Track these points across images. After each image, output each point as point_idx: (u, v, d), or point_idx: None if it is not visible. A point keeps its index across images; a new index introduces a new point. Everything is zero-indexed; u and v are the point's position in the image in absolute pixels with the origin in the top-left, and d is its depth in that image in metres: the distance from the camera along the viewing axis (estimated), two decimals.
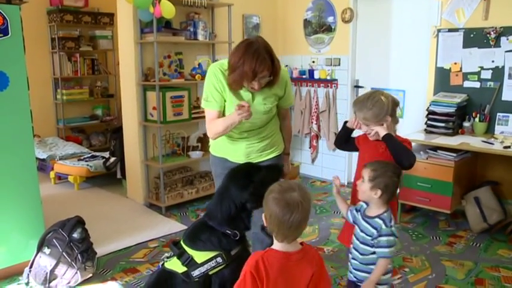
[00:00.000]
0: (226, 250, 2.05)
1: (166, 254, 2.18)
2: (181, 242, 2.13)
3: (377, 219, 2.10)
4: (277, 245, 1.65)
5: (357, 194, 2.56)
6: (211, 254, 2.03)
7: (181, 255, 2.08)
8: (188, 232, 2.17)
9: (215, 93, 2.41)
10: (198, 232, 2.12)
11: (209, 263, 2.02)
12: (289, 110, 2.81)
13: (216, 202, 2.16)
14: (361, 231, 2.16)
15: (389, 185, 2.08)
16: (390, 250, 2.06)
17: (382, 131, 2.27)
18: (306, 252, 1.66)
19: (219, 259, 2.02)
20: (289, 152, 2.84)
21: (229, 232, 2.07)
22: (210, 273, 2.04)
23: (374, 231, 2.09)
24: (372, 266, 2.13)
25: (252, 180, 2.10)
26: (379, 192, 2.08)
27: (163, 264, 2.14)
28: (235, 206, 2.08)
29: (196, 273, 2.03)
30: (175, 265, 2.08)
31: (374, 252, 2.11)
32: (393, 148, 2.26)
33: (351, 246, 2.23)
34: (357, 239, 2.19)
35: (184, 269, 2.05)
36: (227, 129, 2.36)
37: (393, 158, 2.29)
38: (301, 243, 1.69)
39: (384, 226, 2.07)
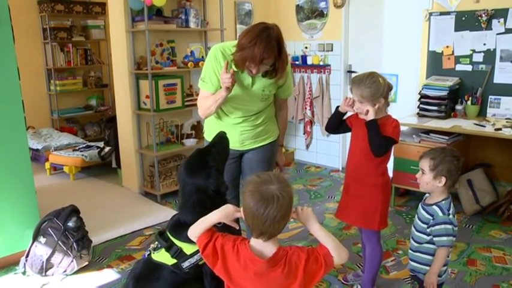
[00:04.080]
0: None
1: (152, 245, 2.11)
2: (168, 234, 2.08)
3: (434, 207, 2.07)
4: (253, 241, 1.54)
5: (352, 178, 2.59)
6: None
7: (170, 247, 2.04)
8: (172, 224, 2.11)
9: (212, 76, 2.43)
10: (182, 226, 2.03)
11: (199, 254, 2.01)
12: (287, 100, 2.81)
13: (187, 205, 2.06)
14: (419, 218, 2.13)
15: (452, 170, 2.02)
16: (449, 239, 2.00)
17: (371, 114, 2.33)
18: (274, 263, 1.50)
19: None
20: (282, 143, 2.87)
21: None
22: (200, 263, 2.03)
23: (430, 218, 2.05)
24: (423, 256, 2.10)
25: (210, 165, 2.06)
26: (443, 179, 2.02)
27: (149, 254, 2.09)
28: (208, 197, 2.02)
29: (186, 264, 2.01)
30: (164, 257, 2.05)
31: (429, 242, 2.07)
32: (372, 135, 2.35)
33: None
34: (414, 226, 2.17)
35: (174, 261, 2.02)
36: (216, 103, 2.39)
37: (368, 143, 2.37)
38: (277, 251, 1.52)
39: (440, 214, 2.03)
